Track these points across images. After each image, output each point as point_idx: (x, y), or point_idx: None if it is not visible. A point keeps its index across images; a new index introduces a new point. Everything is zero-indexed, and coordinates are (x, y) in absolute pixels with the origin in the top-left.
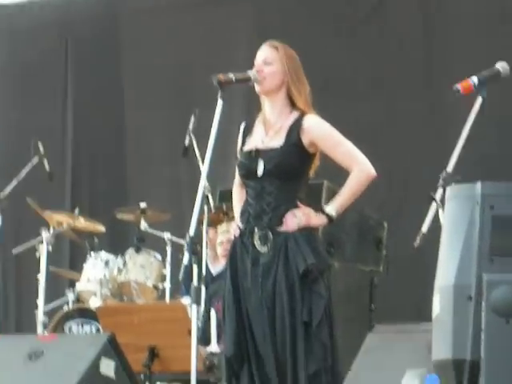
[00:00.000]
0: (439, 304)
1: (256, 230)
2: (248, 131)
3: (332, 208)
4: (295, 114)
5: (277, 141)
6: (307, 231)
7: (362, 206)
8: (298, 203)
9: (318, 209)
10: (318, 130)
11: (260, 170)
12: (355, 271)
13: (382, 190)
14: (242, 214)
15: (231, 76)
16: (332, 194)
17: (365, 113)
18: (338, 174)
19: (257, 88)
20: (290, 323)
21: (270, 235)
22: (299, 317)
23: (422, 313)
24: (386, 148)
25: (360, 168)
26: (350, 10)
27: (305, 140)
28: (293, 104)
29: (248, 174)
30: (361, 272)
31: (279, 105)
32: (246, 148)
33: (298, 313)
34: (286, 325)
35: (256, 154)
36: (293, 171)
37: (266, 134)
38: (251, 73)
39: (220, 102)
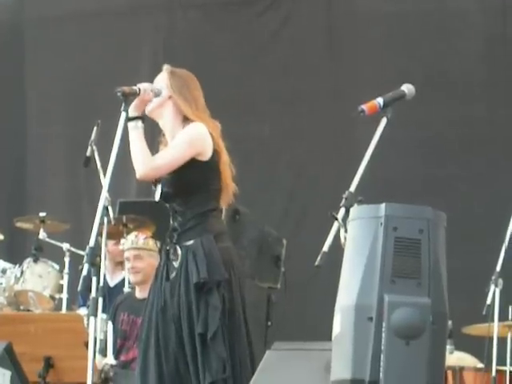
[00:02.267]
0: (340, 324)
1: (168, 247)
2: None
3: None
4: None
5: None
6: (207, 244)
7: (262, 223)
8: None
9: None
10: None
11: (157, 196)
12: (253, 287)
13: (282, 208)
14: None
15: (136, 88)
16: (233, 211)
17: (267, 128)
18: (239, 190)
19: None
20: (188, 336)
21: (179, 250)
22: (195, 330)
23: (318, 331)
24: (287, 165)
25: (150, 165)
26: (258, 24)
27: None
28: (185, 118)
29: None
30: (259, 288)
31: (168, 121)
32: None
33: (195, 325)
34: (187, 339)
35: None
36: (188, 188)
37: None
38: (156, 89)
39: (123, 114)
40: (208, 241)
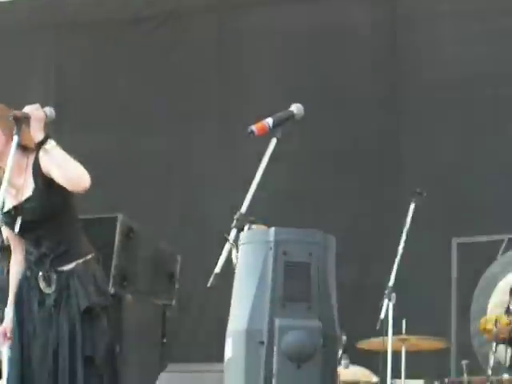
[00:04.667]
0: (231, 348)
1: (40, 273)
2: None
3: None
4: (31, 157)
5: (27, 190)
6: (90, 268)
7: (156, 240)
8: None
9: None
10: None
11: (17, 227)
12: (148, 304)
13: (176, 224)
14: (25, 261)
15: (26, 112)
16: (127, 228)
17: (163, 143)
18: (134, 206)
19: None
20: (69, 359)
21: (54, 275)
22: (79, 353)
23: (212, 349)
24: (182, 181)
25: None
26: (149, 43)
27: (47, 173)
28: (24, 148)
29: (13, 231)
30: (153, 305)
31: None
32: (5, 209)
33: (78, 349)
34: (65, 363)
35: (14, 211)
36: (56, 210)
37: (15, 189)
38: (47, 110)
39: (15, 138)
40: (91, 263)
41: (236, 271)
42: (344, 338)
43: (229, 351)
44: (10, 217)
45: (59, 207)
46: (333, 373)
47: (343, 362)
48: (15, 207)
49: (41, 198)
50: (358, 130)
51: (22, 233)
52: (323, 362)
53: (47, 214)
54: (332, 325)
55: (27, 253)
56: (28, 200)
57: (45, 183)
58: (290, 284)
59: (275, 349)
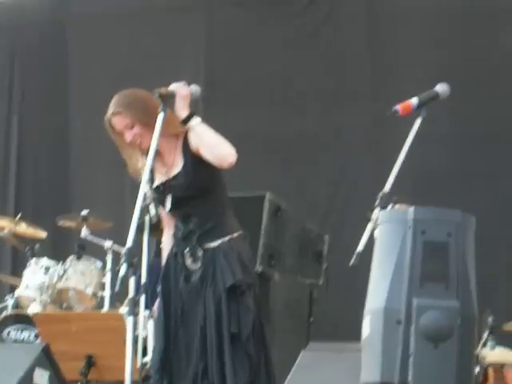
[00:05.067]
0: (369, 326)
1: (186, 250)
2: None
3: (197, 120)
4: (181, 135)
5: (176, 166)
6: (235, 245)
7: (303, 220)
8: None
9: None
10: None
11: (168, 205)
12: (295, 283)
13: (324, 203)
14: (174, 237)
15: (172, 90)
16: (275, 207)
17: (309, 125)
18: (280, 186)
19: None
20: (216, 336)
21: (200, 252)
22: (226, 330)
23: (359, 328)
24: (329, 163)
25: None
26: (298, 23)
27: (196, 150)
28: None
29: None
30: (301, 285)
31: (164, 143)
32: (154, 184)
33: (224, 326)
34: (212, 339)
35: (163, 187)
36: (205, 186)
37: (164, 167)
38: (193, 88)
39: (161, 115)
40: (236, 241)
41: (374, 250)
42: (491, 319)
43: (366, 329)
44: (159, 193)
45: (208, 184)
46: (470, 353)
47: (489, 343)
48: (164, 184)
49: (189, 174)
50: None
51: (172, 209)
52: (461, 342)
53: (195, 190)
54: (470, 305)
55: (176, 229)
56: (176, 176)
57: (194, 160)
58: (429, 264)
59: (412, 328)
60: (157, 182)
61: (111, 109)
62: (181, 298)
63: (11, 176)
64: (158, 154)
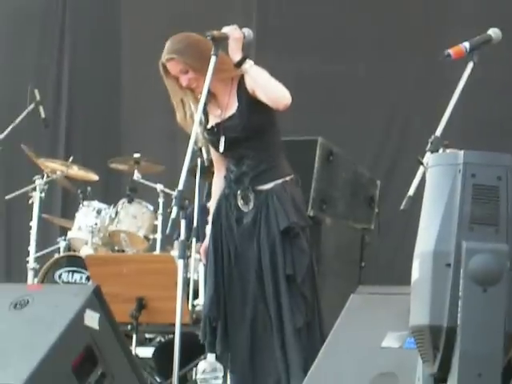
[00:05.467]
0: (418, 270)
1: (238, 191)
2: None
3: (250, 63)
4: (237, 76)
5: (231, 108)
6: (288, 188)
7: (355, 164)
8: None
9: None
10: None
11: (222, 146)
12: (347, 228)
13: (376, 148)
14: (225, 179)
15: (225, 32)
16: (327, 151)
17: (361, 70)
18: (333, 131)
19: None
20: (272, 278)
21: (252, 194)
22: (281, 271)
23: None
24: (381, 106)
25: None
26: None
27: (251, 92)
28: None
29: (217, 149)
30: (352, 229)
31: (219, 85)
32: (209, 125)
33: (279, 267)
34: (268, 280)
35: (217, 128)
36: (258, 128)
37: (220, 109)
38: (246, 31)
39: (213, 58)
40: (289, 185)
41: (424, 194)
42: None
43: (416, 273)
44: (213, 134)
45: (262, 126)
46: None
47: None
48: (218, 125)
49: (244, 115)
50: None
51: (225, 151)
52: (510, 286)
53: (249, 131)
54: None
55: (228, 171)
56: (231, 118)
57: (248, 102)
58: (478, 207)
59: (462, 271)
60: (211, 123)
61: (165, 54)
62: (233, 240)
63: (62, 119)
64: (213, 96)
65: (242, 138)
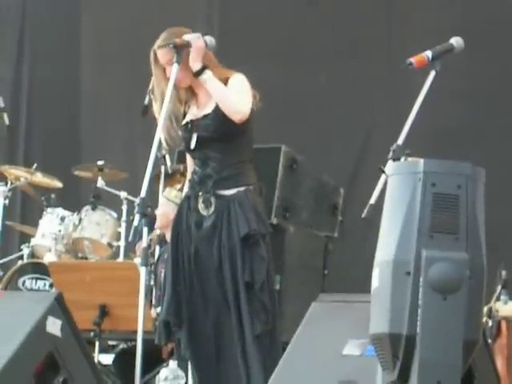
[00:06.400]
0: (378, 278)
1: (200, 194)
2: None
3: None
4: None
5: (208, 108)
6: (250, 196)
7: (319, 172)
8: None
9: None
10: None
11: (193, 143)
12: (310, 236)
13: (338, 155)
14: (189, 181)
15: (186, 40)
16: (290, 159)
17: (323, 78)
18: (296, 139)
19: None
20: (232, 285)
21: (213, 198)
22: (241, 278)
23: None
24: (342, 115)
25: (245, 103)
26: None
27: None
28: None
29: (188, 147)
30: (316, 237)
31: (200, 85)
32: (183, 121)
33: (239, 274)
34: (229, 287)
35: (191, 125)
36: (230, 133)
37: (197, 107)
38: (208, 39)
39: (175, 66)
40: (252, 192)
41: (385, 202)
42: (504, 273)
43: (376, 281)
44: (186, 131)
45: (233, 131)
46: (479, 306)
47: (502, 297)
48: (192, 121)
49: (218, 117)
50: None
51: (194, 150)
52: (469, 294)
53: (220, 133)
54: (480, 258)
55: (193, 173)
56: (206, 116)
57: None
58: (438, 215)
59: (421, 280)
60: (186, 120)
61: (158, 42)
62: (191, 243)
63: (21, 126)
64: (194, 94)
65: (211, 139)
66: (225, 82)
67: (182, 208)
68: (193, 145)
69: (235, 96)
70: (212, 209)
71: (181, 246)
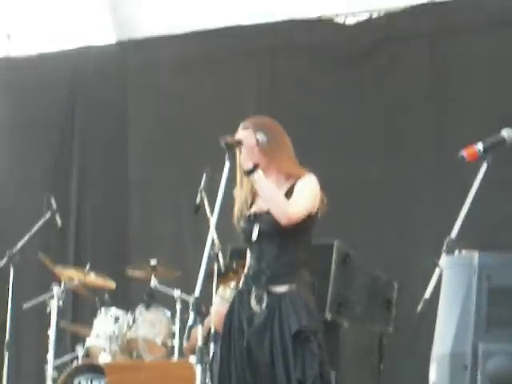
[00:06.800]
0: (436, 372)
1: (253, 289)
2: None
3: (258, 174)
4: (291, 181)
5: None
6: (302, 293)
7: (371, 267)
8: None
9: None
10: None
11: (255, 234)
12: (364, 331)
13: (392, 249)
14: (244, 276)
15: (238, 139)
16: (343, 255)
17: (374, 172)
18: (348, 233)
19: None
20: (285, 382)
21: (265, 295)
22: (293, 375)
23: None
24: (396, 209)
25: (291, 207)
26: (357, 74)
27: None
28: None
29: (248, 238)
30: (370, 332)
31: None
32: (247, 213)
33: (291, 371)
34: (283, 381)
35: (254, 217)
36: (290, 231)
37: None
38: (260, 137)
39: (227, 164)
40: (304, 290)
41: (440, 296)
42: None
43: (433, 375)
44: (249, 222)
45: (293, 228)
46: None
47: None
48: (255, 214)
49: None
50: None
51: (253, 243)
52: None
53: (280, 229)
54: None
55: (249, 267)
56: (269, 211)
57: None
58: (495, 309)
59: (479, 374)
60: (250, 212)
61: (243, 123)
62: (243, 339)
63: (71, 226)
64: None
65: (271, 232)
66: (294, 178)
67: (234, 303)
68: (255, 236)
69: (283, 202)
70: (264, 305)
71: (232, 341)
